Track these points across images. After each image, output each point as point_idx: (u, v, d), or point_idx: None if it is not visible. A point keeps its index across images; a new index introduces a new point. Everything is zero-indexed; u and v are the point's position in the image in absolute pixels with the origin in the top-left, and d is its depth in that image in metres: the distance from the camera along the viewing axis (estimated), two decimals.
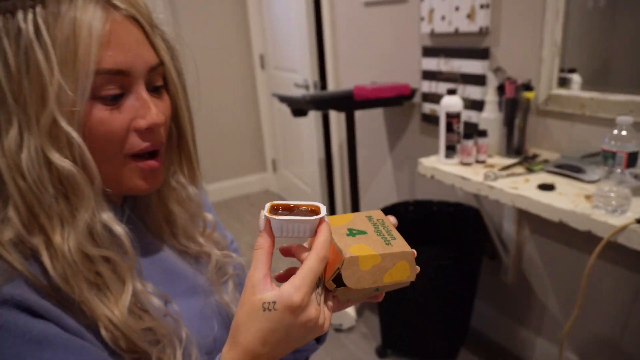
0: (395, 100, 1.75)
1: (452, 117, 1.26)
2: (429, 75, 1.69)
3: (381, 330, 1.67)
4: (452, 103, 1.26)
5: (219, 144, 3.14)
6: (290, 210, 0.44)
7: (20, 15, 0.41)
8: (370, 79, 2.02)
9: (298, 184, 2.86)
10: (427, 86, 1.71)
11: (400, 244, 0.45)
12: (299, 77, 2.52)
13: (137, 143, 0.47)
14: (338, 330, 1.82)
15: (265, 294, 0.39)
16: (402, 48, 1.82)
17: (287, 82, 2.68)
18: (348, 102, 1.74)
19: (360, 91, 1.71)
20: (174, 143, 0.54)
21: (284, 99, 1.83)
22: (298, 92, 2.47)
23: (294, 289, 0.39)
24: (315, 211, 0.44)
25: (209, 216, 0.62)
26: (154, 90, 0.49)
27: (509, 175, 1.16)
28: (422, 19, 1.65)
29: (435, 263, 1.39)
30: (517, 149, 1.28)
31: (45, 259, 0.43)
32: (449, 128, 1.27)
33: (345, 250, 0.43)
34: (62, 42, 0.42)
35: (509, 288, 1.59)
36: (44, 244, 0.43)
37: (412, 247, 0.46)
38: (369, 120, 2.13)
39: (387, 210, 1.73)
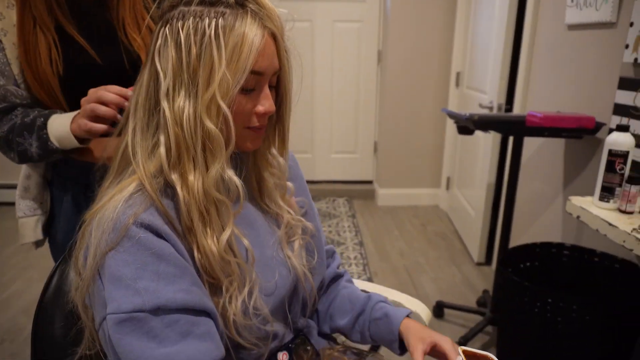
0: (573, 132, 1.59)
1: (615, 156, 1.12)
2: (620, 109, 1.48)
3: None
4: (619, 141, 1.12)
5: (401, 152, 3.30)
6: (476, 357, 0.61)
7: (206, 21, 0.58)
8: (558, 108, 1.86)
9: (465, 205, 2.79)
10: (617, 122, 1.50)
11: None
12: (486, 98, 2.46)
13: (253, 121, 0.64)
14: None
15: None
16: (597, 78, 1.63)
17: (474, 101, 2.65)
18: (517, 127, 1.67)
19: (532, 117, 1.62)
20: (272, 124, 0.70)
21: (451, 115, 1.86)
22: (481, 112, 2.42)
23: None
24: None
25: (290, 184, 0.76)
26: (270, 87, 0.65)
27: None
28: (626, 46, 1.46)
29: (581, 316, 1.24)
30: None
31: (179, 189, 0.59)
32: (610, 168, 1.13)
33: None
34: (232, 46, 0.58)
35: None
36: (180, 180, 0.59)
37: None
38: (547, 151, 1.96)
39: (535, 248, 1.59)
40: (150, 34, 0.93)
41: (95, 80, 0.88)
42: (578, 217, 1.19)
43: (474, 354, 0.62)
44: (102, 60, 0.93)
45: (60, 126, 0.87)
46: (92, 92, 0.83)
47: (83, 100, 0.83)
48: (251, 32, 0.59)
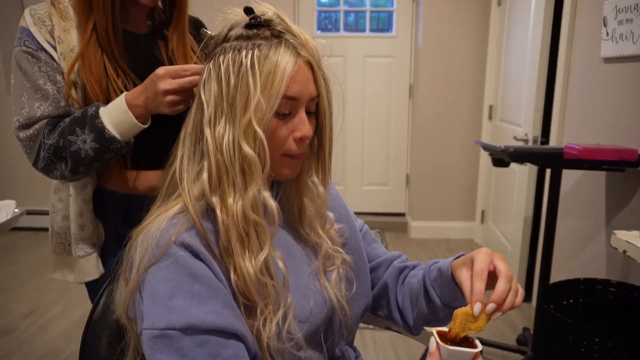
0: (614, 165, 1.55)
1: None
2: None
3: None
4: None
5: (433, 185, 3.27)
6: (452, 337, 0.59)
7: (244, 52, 0.62)
8: (596, 140, 1.83)
9: (501, 239, 2.72)
10: None
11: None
12: (520, 130, 2.44)
13: (292, 147, 0.66)
14: None
15: None
16: (637, 110, 1.60)
17: (508, 134, 2.62)
18: (554, 160, 1.64)
19: (570, 150, 1.60)
20: (314, 152, 0.73)
21: (486, 148, 1.85)
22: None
23: None
24: (472, 342, 0.59)
25: (330, 215, 0.77)
26: (308, 113, 0.67)
27: None
28: None
29: (632, 358, 1.17)
30: None
31: (219, 212, 0.61)
32: None
33: None
34: (266, 74, 0.61)
35: None
36: (220, 203, 0.62)
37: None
38: (587, 184, 1.91)
39: (578, 285, 1.53)
40: None
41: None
42: (624, 251, 1.15)
43: (447, 333, 0.60)
44: None
45: (115, 108, 0.85)
46: (165, 74, 0.81)
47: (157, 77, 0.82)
48: (284, 59, 0.62)
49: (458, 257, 0.72)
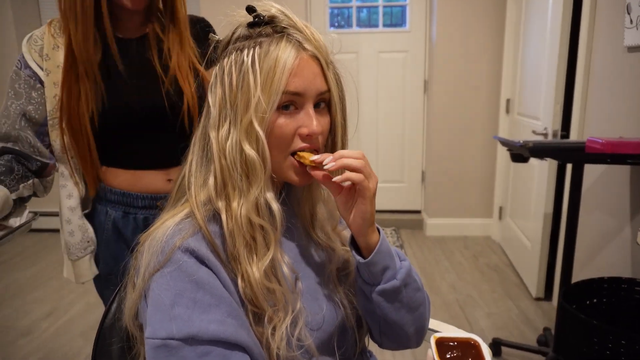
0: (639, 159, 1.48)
1: None
2: None
3: None
4: None
5: (449, 181, 3.22)
6: (453, 348, 0.53)
7: (245, 52, 0.61)
8: (620, 133, 1.76)
9: (520, 236, 2.65)
10: None
11: None
12: (539, 124, 2.37)
13: (297, 143, 0.63)
14: None
15: None
16: None
17: (527, 128, 2.56)
18: (576, 154, 1.58)
19: (593, 144, 1.54)
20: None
21: (504, 143, 1.80)
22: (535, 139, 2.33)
23: None
24: (475, 344, 0.52)
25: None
26: (319, 107, 0.65)
27: None
28: None
29: None
30: None
31: (224, 217, 0.61)
32: None
33: None
34: (266, 70, 0.59)
35: None
36: (225, 207, 0.61)
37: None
38: (610, 179, 1.84)
39: (602, 285, 1.48)
40: (196, 79, 0.97)
41: (134, 122, 0.94)
42: None
43: (452, 340, 0.53)
44: (141, 103, 0.95)
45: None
46: None
47: None
48: (284, 53, 0.60)
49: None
